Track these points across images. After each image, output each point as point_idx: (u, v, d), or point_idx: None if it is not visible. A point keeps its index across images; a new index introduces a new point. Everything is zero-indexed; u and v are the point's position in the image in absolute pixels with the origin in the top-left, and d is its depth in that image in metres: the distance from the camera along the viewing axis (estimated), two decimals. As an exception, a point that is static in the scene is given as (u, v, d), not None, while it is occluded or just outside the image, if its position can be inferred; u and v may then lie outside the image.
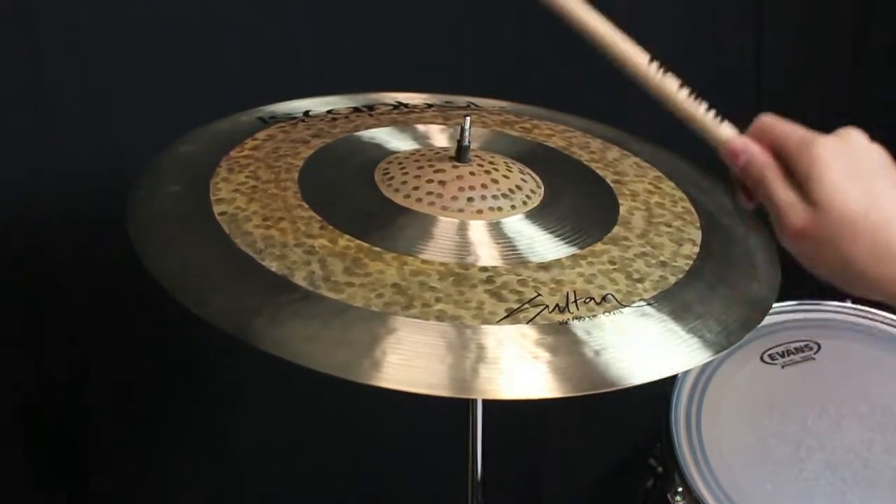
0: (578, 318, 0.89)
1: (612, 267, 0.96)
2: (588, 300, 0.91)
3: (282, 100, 1.17)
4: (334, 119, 1.14)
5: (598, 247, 0.98)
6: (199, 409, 1.58)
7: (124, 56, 1.35)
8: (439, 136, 1.13)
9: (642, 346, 0.90)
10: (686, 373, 1.23)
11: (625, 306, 0.91)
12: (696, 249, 1.01)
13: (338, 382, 1.51)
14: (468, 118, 1.01)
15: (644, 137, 1.22)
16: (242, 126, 1.11)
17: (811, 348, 1.28)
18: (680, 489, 1.15)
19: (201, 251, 0.94)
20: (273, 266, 0.89)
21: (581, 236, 0.99)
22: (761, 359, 1.27)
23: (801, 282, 1.28)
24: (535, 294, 0.90)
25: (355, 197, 1.01)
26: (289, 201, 0.97)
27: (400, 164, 1.03)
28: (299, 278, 0.88)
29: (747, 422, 1.20)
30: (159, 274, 0.89)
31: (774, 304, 1.31)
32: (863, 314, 1.33)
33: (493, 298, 0.89)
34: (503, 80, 1.55)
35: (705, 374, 1.24)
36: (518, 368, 0.86)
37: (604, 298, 0.91)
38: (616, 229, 1.01)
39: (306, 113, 1.15)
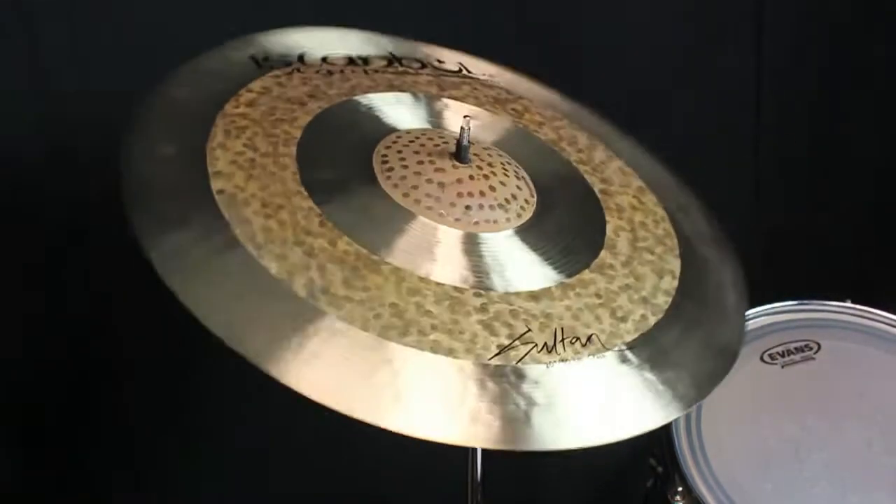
0: (564, 360, 0.91)
1: (597, 301, 0.97)
2: (574, 340, 0.93)
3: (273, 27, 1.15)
4: (330, 73, 1.11)
5: (586, 275, 1.00)
6: (200, 410, 1.58)
7: (121, 40, 1.34)
8: (436, 111, 1.12)
9: (617, 400, 0.94)
10: (686, 373, 1.23)
11: (608, 350, 0.94)
12: (675, 283, 1.04)
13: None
14: (468, 119, 1.02)
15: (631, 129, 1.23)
16: (233, 66, 1.08)
17: (811, 348, 1.28)
18: (680, 489, 1.15)
19: (200, 238, 0.92)
20: (272, 267, 0.89)
21: (570, 260, 1.01)
22: (761, 359, 1.27)
23: (801, 282, 1.29)
24: (526, 329, 0.92)
25: (355, 191, 1.00)
26: (287, 184, 0.96)
27: (399, 153, 1.02)
28: (299, 286, 0.88)
29: (747, 422, 1.20)
30: (156, 259, 0.88)
31: (774, 305, 1.32)
32: (863, 314, 1.33)
33: (485, 331, 0.90)
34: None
35: (705, 374, 1.24)
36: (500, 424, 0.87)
37: (589, 339, 0.94)
38: (603, 254, 1.03)
39: (301, 58, 1.11)
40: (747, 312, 1.28)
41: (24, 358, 1.42)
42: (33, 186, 1.36)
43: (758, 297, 1.32)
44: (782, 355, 1.28)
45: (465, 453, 1.14)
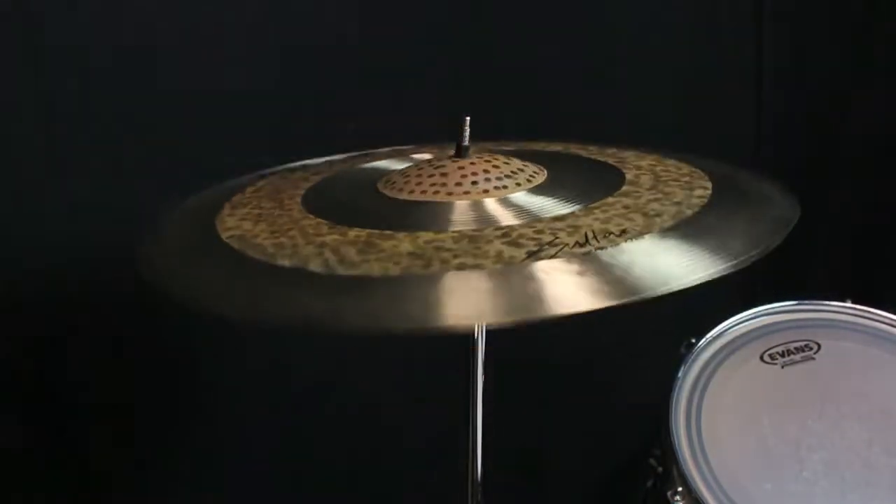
0: (601, 248, 0.89)
1: (626, 210, 0.96)
2: (608, 234, 0.91)
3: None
4: (331, 164, 1.17)
5: (610, 200, 0.99)
6: (200, 410, 1.58)
7: (121, 41, 1.35)
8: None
9: (672, 258, 0.90)
10: (686, 373, 1.23)
11: (646, 233, 0.91)
12: (709, 192, 1.01)
13: (336, 384, 1.51)
14: (467, 118, 1.02)
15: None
16: (240, 181, 1.13)
17: (811, 348, 1.28)
18: (680, 489, 1.15)
19: (213, 267, 0.95)
20: (286, 262, 0.90)
21: (591, 197, 0.99)
22: (761, 359, 1.27)
23: (801, 282, 1.29)
24: (553, 237, 0.90)
25: (361, 203, 1.02)
26: (294, 216, 0.99)
27: (402, 173, 1.04)
28: (314, 266, 0.89)
29: (747, 422, 1.20)
30: (177, 296, 0.91)
31: (774, 305, 1.32)
32: (863, 314, 1.33)
33: (511, 247, 0.89)
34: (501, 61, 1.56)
35: (705, 374, 1.24)
36: (560, 288, 0.86)
37: (623, 231, 0.91)
38: (625, 188, 1.02)
39: (303, 167, 1.17)
40: (747, 312, 1.29)
41: (24, 358, 1.42)
42: (33, 188, 1.36)
43: (758, 297, 1.32)
44: (782, 355, 1.28)
45: (465, 453, 1.14)
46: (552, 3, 1.61)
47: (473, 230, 0.93)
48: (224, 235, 0.97)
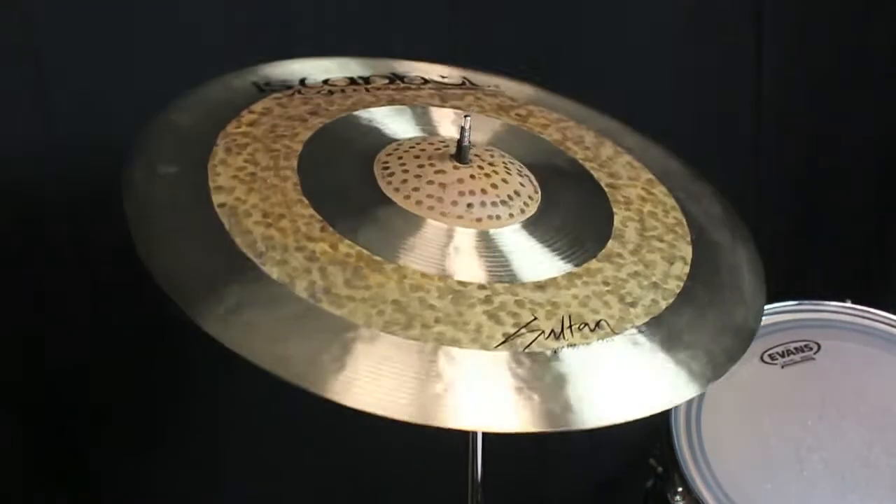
0: (572, 345, 0.90)
1: (605, 288, 0.97)
2: (582, 326, 0.92)
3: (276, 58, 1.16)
4: (331, 92, 1.13)
5: (594, 265, 0.99)
6: (200, 410, 1.58)
7: (121, 41, 1.35)
8: (437, 120, 1.13)
9: (631, 379, 0.93)
10: (686, 373, 1.23)
11: (617, 334, 0.93)
12: (687, 269, 1.03)
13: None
14: (468, 118, 1.02)
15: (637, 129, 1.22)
16: (236, 93, 1.10)
17: (811, 348, 1.28)
18: (680, 489, 1.15)
19: (201, 251, 0.93)
20: (274, 272, 0.89)
21: (576, 251, 1.01)
22: (761, 359, 1.27)
23: (801, 282, 1.29)
24: (532, 318, 0.91)
25: (356, 196, 1.00)
26: (289, 195, 0.97)
27: (400, 158, 1.03)
28: (300, 289, 0.88)
29: (747, 422, 1.20)
30: (158, 274, 0.89)
31: (774, 305, 1.32)
32: (863, 314, 1.33)
33: (490, 321, 0.90)
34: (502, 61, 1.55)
35: (705, 374, 1.24)
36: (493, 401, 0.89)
37: (597, 325, 0.93)
38: (610, 244, 1.03)
39: (302, 81, 1.13)
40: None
41: (24, 358, 1.42)
42: (34, 188, 1.36)
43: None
44: (782, 355, 1.28)
45: (465, 453, 1.14)
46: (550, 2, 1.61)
47: (460, 283, 0.93)
48: (216, 201, 0.95)
